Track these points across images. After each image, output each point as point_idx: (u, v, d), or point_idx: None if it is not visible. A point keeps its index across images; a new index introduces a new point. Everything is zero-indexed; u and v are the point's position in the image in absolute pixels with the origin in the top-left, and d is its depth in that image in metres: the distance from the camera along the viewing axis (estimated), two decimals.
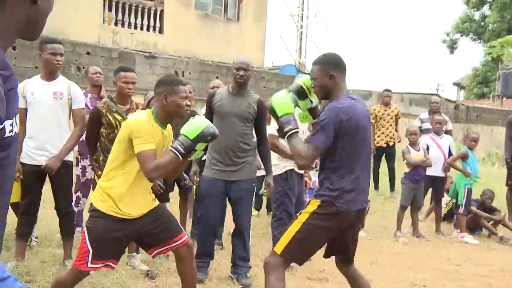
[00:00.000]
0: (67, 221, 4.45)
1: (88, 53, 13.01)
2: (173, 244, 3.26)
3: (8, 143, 1.24)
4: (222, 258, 4.95)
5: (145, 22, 15.56)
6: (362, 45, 59.68)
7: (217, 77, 14.27)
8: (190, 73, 14.23)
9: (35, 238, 5.05)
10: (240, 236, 4.51)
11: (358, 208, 3.07)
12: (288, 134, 2.99)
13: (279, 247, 3.07)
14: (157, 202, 3.36)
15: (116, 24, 15.07)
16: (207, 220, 4.47)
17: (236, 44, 17.37)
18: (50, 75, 4.30)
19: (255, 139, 4.49)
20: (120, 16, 15.08)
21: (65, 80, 4.43)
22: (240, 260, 4.50)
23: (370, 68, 54.64)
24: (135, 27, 15.35)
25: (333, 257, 3.43)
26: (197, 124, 2.99)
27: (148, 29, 15.64)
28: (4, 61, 1.23)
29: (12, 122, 1.25)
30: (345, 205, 2.98)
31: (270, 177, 4.55)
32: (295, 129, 2.99)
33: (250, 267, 4.58)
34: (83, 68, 12.94)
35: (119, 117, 4.30)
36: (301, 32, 26.49)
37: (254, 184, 4.51)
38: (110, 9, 14.91)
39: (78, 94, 4.45)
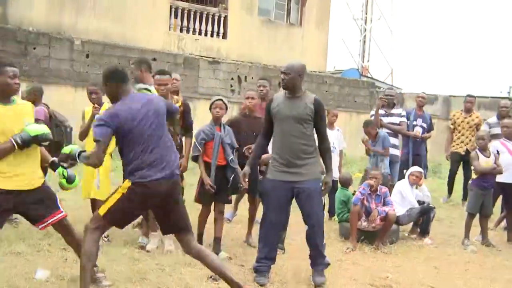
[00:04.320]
0: None
1: (154, 59, 13.42)
2: (52, 219, 3.68)
3: None
4: (284, 262, 4.95)
5: (209, 28, 15.87)
6: (428, 47, 58.04)
7: (279, 83, 14.31)
8: (252, 78, 14.36)
9: None
10: (313, 234, 4.47)
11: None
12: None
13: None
14: (42, 180, 3.72)
15: (181, 30, 15.47)
16: (270, 222, 4.49)
17: (298, 49, 17.36)
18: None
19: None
20: (185, 22, 15.46)
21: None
22: (316, 258, 4.49)
23: (437, 71, 53.12)
24: (200, 33, 15.69)
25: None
26: (41, 128, 3.61)
27: (212, 35, 15.94)
28: None
29: None
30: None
31: (329, 176, 4.51)
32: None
33: (328, 263, 4.55)
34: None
35: None
36: (364, 36, 26.12)
37: (320, 183, 4.48)
38: (176, 16, 15.33)
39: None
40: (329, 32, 18.70)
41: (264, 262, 4.48)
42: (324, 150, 4.51)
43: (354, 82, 17.49)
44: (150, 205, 3.71)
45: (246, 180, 4.62)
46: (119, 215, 3.57)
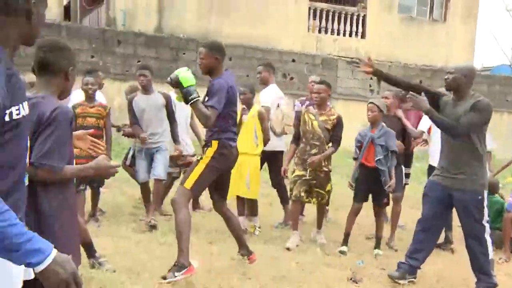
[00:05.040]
0: None
1: (293, 61, 13.65)
2: None
3: (17, 124, 1.64)
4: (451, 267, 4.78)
5: (348, 28, 15.71)
6: None
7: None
8: None
9: None
10: (469, 247, 4.27)
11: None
12: (193, 101, 3.79)
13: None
14: None
15: (319, 31, 15.52)
16: (425, 220, 4.38)
17: (442, 46, 16.46)
18: None
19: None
20: (323, 23, 15.49)
21: None
22: (477, 273, 4.26)
23: None
24: (338, 33, 15.61)
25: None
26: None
27: (350, 35, 15.77)
28: (9, 61, 1.65)
29: (19, 107, 1.64)
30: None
31: None
32: (197, 97, 3.82)
33: (494, 284, 4.24)
34: (288, 75, 13.63)
35: None
36: None
37: (480, 197, 4.17)
38: (314, 17, 15.43)
39: None
40: (477, 27, 17.47)
41: (412, 259, 4.39)
42: None
43: (506, 79, 16.14)
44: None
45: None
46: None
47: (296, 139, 5.52)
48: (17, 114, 1.66)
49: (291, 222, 5.43)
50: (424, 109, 4.20)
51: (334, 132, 5.30)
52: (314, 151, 5.26)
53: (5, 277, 1.70)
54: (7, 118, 1.63)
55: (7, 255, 1.54)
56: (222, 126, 4.03)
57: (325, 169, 5.31)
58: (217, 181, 4.21)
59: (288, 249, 5.15)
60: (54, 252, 1.57)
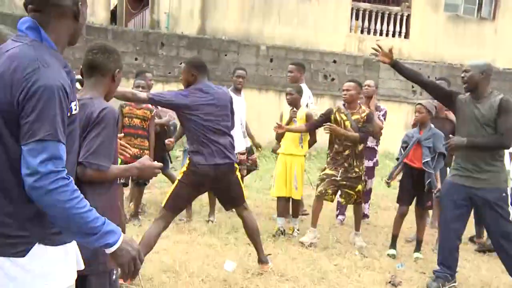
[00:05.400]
0: None
1: (334, 62, 13.55)
2: None
3: (73, 120, 1.77)
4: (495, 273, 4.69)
5: (391, 28, 15.46)
6: None
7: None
8: (435, 78, 13.61)
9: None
10: (500, 247, 4.20)
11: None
12: None
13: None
14: None
15: (362, 31, 15.34)
16: (445, 223, 4.32)
17: (490, 45, 15.95)
18: None
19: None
20: (366, 23, 15.30)
21: None
22: None
23: None
24: (380, 34, 15.38)
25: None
26: None
27: (393, 35, 15.50)
28: (64, 60, 1.78)
29: (76, 104, 1.78)
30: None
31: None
32: None
33: None
34: (329, 76, 13.55)
35: None
36: None
37: (504, 194, 4.15)
38: (357, 18, 15.26)
39: None
40: None
41: (442, 268, 4.32)
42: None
43: None
44: None
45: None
46: None
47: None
48: (75, 110, 1.78)
49: (311, 218, 5.42)
50: (463, 144, 4.13)
51: (363, 125, 5.30)
52: (347, 152, 5.26)
53: (65, 266, 1.79)
54: (73, 111, 1.75)
55: (85, 238, 1.67)
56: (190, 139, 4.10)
57: (357, 171, 5.30)
58: (216, 194, 4.48)
59: (301, 243, 5.21)
60: (121, 233, 1.72)
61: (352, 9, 15.13)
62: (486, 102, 4.10)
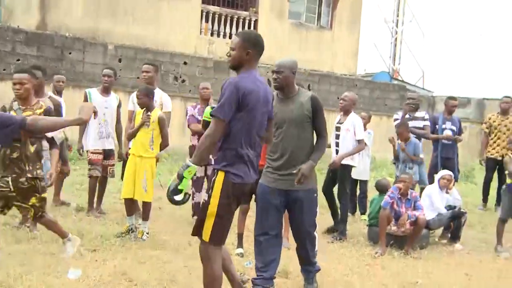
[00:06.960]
0: None
1: (185, 63, 13.57)
2: None
3: None
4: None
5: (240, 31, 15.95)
6: (461, 49, 56.41)
7: (308, 85, 14.28)
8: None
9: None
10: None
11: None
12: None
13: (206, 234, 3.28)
14: None
15: (212, 34, 15.59)
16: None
17: (329, 52, 17.28)
18: None
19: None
20: (216, 26, 15.59)
21: None
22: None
23: (469, 73, 51.45)
24: (230, 37, 15.78)
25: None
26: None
27: None
28: None
29: None
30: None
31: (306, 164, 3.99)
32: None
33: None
34: (180, 77, 13.53)
35: None
36: (396, 39, 25.80)
37: (315, 194, 4.20)
38: (207, 20, 15.47)
39: None
40: (360, 35, 18.55)
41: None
42: (318, 144, 4.15)
43: (385, 85, 17.29)
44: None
45: None
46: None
47: None
48: None
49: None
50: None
51: None
52: None
53: None
54: None
55: None
56: None
57: None
58: None
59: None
60: None
61: (202, 11, 15.30)
62: (297, 99, 4.14)
